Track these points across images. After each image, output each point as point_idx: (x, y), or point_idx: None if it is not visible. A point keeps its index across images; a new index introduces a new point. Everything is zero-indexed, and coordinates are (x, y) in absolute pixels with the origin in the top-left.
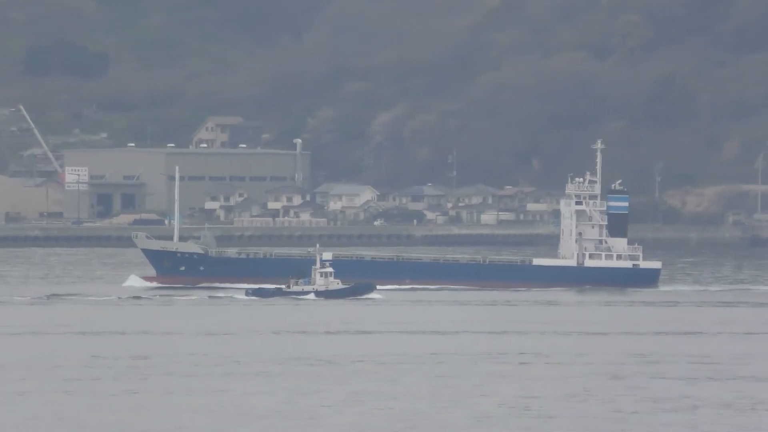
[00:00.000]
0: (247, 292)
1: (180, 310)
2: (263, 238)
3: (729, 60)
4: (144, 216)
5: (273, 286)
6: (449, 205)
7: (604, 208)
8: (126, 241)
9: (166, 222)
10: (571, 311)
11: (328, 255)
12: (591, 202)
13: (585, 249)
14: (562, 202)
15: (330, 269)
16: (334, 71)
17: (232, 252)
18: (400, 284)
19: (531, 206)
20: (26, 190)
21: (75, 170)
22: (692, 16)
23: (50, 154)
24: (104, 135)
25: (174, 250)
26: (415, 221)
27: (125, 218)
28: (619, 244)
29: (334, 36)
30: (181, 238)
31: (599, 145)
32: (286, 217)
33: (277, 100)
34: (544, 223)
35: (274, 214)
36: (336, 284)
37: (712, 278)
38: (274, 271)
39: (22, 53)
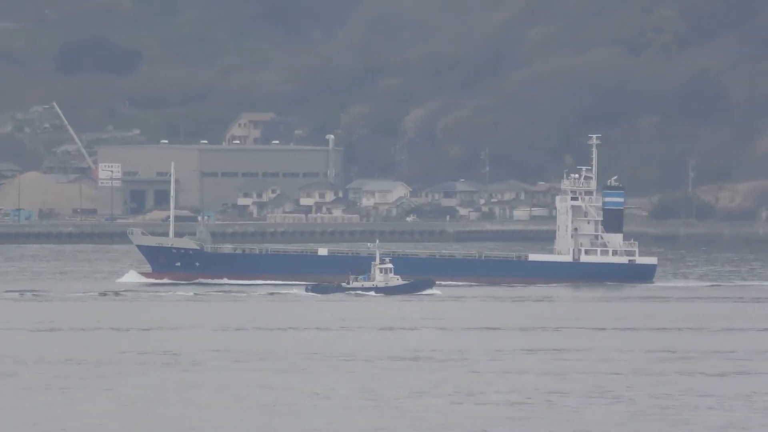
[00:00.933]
0: (307, 288)
1: (250, 306)
2: (296, 234)
3: (763, 55)
4: (177, 212)
5: (332, 283)
6: (482, 201)
7: (600, 204)
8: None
9: (199, 218)
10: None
11: (324, 250)
12: (587, 197)
13: (581, 245)
14: (558, 197)
15: (390, 265)
16: (367, 67)
17: (227, 247)
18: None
19: None
20: (60, 187)
21: (108, 167)
22: (726, 12)
23: (84, 151)
24: (137, 131)
25: (169, 245)
26: (447, 217)
27: (158, 214)
28: (615, 239)
29: (367, 31)
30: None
31: (594, 140)
32: (318, 214)
33: (309, 96)
34: None
35: (307, 210)
36: (396, 280)
37: (715, 274)
38: (270, 267)
39: (55, 50)
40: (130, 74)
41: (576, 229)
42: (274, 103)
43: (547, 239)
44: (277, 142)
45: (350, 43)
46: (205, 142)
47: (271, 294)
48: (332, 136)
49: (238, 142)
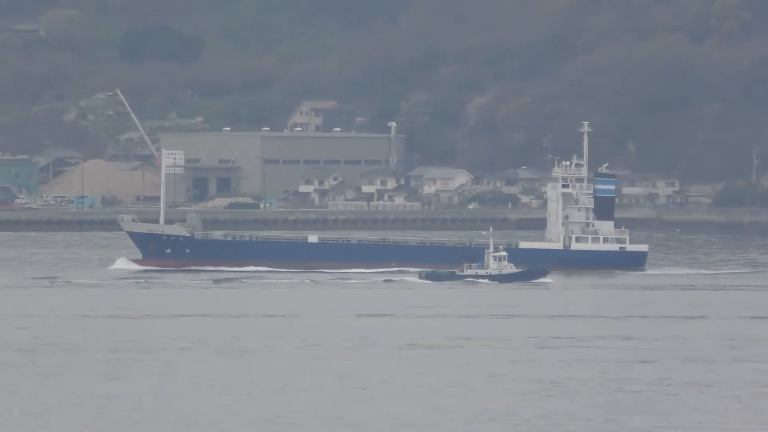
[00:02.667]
0: (421, 275)
1: (358, 293)
2: (357, 222)
3: None
4: (239, 199)
5: (447, 270)
6: (543, 188)
7: (591, 192)
8: (220, 225)
9: (262, 205)
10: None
11: (314, 238)
12: (578, 185)
13: (572, 232)
14: (549, 185)
15: (504, 253)
16: (429, 54)
17: (218, 234)
18: (386, 267)
19: (626, 190)
20: (123, 174)
21: (171, 154)
22: None
23: (146, 138)
24: (200, 119)
25: (159, 232)
26: (509, 205)
27: (220, 202)
28: (606, 227)
29: (429, 18)
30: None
31: (586, 127)
32: (380, 201)
33: (371, 83)
34: (640, 206)
35: (368, 197)
36: (509, 268)
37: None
38: (260, 254)
39: (118, 38)
40: (192, 62)
41: (567, 217)
42: (336, 91)
43: None
44: (338, 129)
45: (412, 31)
46: (267, 129)
47: (387, 281)
48: (394, 124)
49: (299, 129)
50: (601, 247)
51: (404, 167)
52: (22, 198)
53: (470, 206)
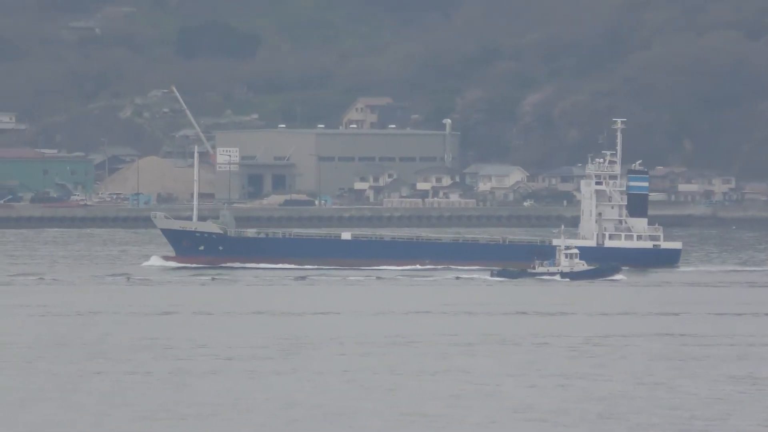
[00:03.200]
0: (493, 273)
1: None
2: (412, 218)
3: None
4: (294, 197)
5: (518, 268)
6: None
7: (624, 188)
8: (275, 222)
9: (317, 203)
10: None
11: (347, 235)
12: (611, 182)
13: (605, 229)
14: (582, 182)
15: (575, 251)
16: (484, 51)
17: (251, 232)
18: (419, 265)
19: (683, 187)
20: (178, 171)
21: (226, 151)
22: None
23: (202, 135)
24: (255, 116)
25: (193, 229)
26: (564, 202)
27: (276, 199)
28: (639, 224)
29: (484, 15)
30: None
31: (619, 124)
32: (435, 198)
33: (426, 80)
34: (696, 203)
35: (423, 194)
36: (581, 266)
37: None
38: (293, 251)
39: (175, 35)
40: (248, 59)
41: (600, 214)
42: (391, 88)
43: (666, 224)
44: (393, 126)
45: (467, 28)
46: (322, 126)
47: (457, 278)
48: (449, 121)
49: (354, 126)
50: (635, 244)
51: (459, 164)
52: (78, 195)
53: (525, 203)
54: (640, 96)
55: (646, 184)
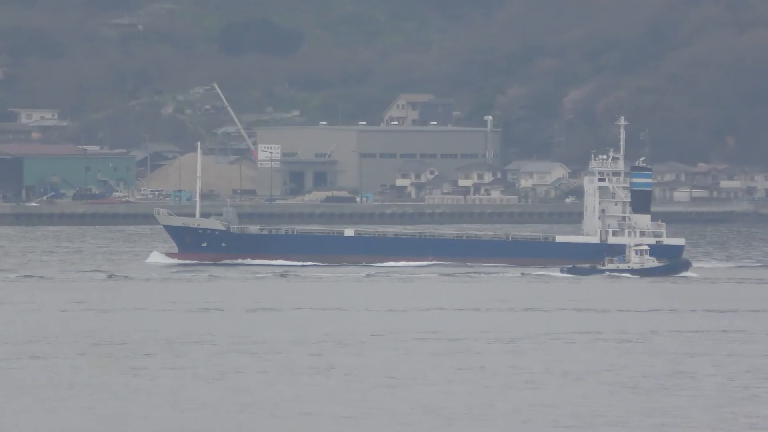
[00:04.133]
0: (563, 270)
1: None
2: (454, 215)
3: None
4: (335, 193)
5: (588, 264)
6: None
7: (628, 185)
8: (317, 218)
9: (358, 199)
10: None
11: (350, 231)
12: (614, 178)
13: (608, 226)
14: (586, 178)
15: (646, 247)
16: (526, 48)
17: (254, 228)
18: (422, 261)
19: (725, 183)
20: (220, 168)
21: (268, 148)
22: None
23: (243, 132)
24: (296, 113)
25: (196, 226)
26: None
27: (317, 195)
28: (643, 220)
29: (526, 12)
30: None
31: (622, 121)
32: (476, 195)
33: (468, 77)
34: (738, 200)
35: (465, 191)
36: (651, 262)
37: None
38: (296, 247)
39: (217, 31)
40: (290, 55)
41: (603, 210)
42: (433, 85)
43: (708, 221)
44: (435, 123)
45: (509, 24)
46: (364, 123)
47: (523, 274)
48: (490, 117)
49: (396, 123)
50: (638, 240)
51: (501, 161)
52: (120, 191)
53: (567, 200)
54: (682, 92)
55: (649, 180)
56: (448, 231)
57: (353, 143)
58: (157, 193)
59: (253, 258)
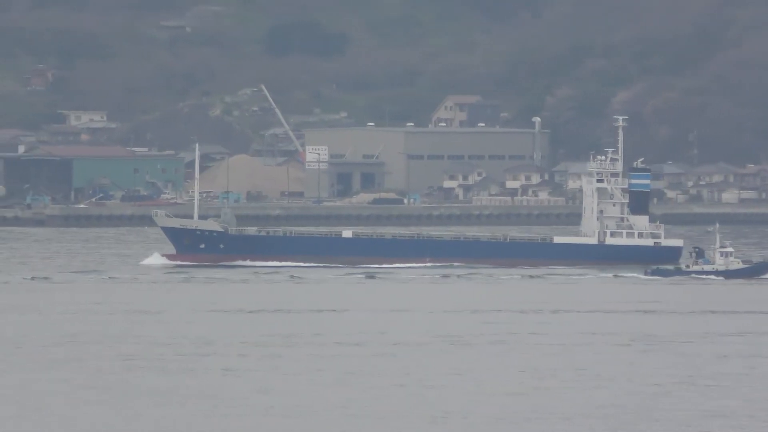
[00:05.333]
0: (647, 272)
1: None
2: (501, 216)
3: None
4: (383, 195)
5: (672, 266)
6: (690, 183)
7: (626, 186)
8: (364, 220)
9: (405, 201)
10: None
11: (348, 233)
12: (612, 179)
13: (606, 227)
14: (584, 179)
15: (731, 249)
16: (574, 48)
17: (252, 230)
18: (420, 263)
19: None
20: (268, 169)
21: (315, 149)
22: None
23: (291, 134)
24: (344, 114)
25: (193, 228)
26: (655, 200)
27: (365, 197)
28: (641, 221)
29: (574, 12)
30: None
31: (621, 122)
32: (524, 196)
33: (515, 78)
34: None
35: (513, 192)
36: (736, 264)
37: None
38: (294, 249)
39: (264, 33)
40: (337, 57)
41: (602, 212)
42: (480, 86)
43: (756, 222)
44: (483, 124)
45: (557, 25)
46: (411, 124)
47: (616, 276)
48: (538, 119)
49: (444, 124)
50: (636, 241)
51: (549, 162)
52: (168, 193)
53: None
54: (730, 93)
55: (648, 181)
56: (446, 232)
57: (401, 145)
58: (204, 194)
59: (251, 259)
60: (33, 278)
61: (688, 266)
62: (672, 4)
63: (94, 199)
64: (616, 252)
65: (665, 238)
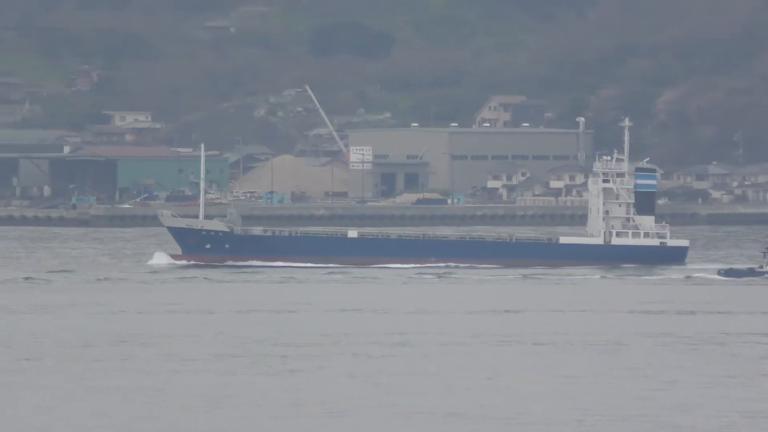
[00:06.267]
0: (720, 272)
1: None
2: (545, 217)
3: None
4: (427, 195)
5: (746, 266)
6: (735, 183)
7: (632, 186)
8: (408, 220)
9: (449, 201)
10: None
11: (353, 233)
12: (618, 180)
13: (612, 227)
14: (590, 180)
15: None
16: (618, 48)
17: (257, 230)
18: (425, 263)
19: None
20: (312, 170)
21: (359, 150)
22: None
23: (335, 134)
24: (388, 115)
25: (199, 227)
26: (699, 200)
27: (408, 197)
28: (647, 221)
29: (619, 12)
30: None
31: (627, 122)
32: (568, 196)
33: (560, 78)
34: None
35: (557, 193)
36: None
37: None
38: (299, 249)
39: (308, 34)
40: (381, 57)
41: (607, 212)
42: (525, 86)
43: None
44: (527, 124)
45: (601, 25)
46: (455, 124)
47: (688, 277)
48: (582, 119)
49: (488, 125)
50: (642, 241)
51: (593, 162)
52: (213, 193)
53: (660, 201)
54: None
55: (653, 182)
56: (451, 232)
57: (445, 145)
58: (249, 194)
59: (256, 259)
60: (104, 279)
61: (761, 267)
62: (717, 4)
63: (138, 200)
64: (622, 252)
65: (671, 238)
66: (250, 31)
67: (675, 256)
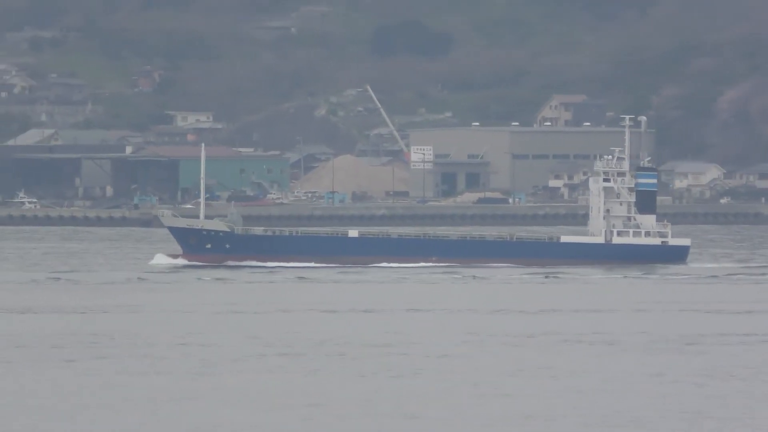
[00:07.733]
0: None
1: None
2: None
3: None
4: (488, 194)
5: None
6: None
7: (633, 185)
8: (468, 219)
9: (510, 201)
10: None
11: (354, 233)
12: (619, 179)
13: (613, 226)
14: (591, 179)
15: None
16: (680, 47)
17: (258, 230)
18: (426, 262)
19: None
20: (373, 169)
21: (420, 149)
22: None
23: (396, 134)
24: (449, 114)
25: (200, 227)
26: (762, 199)
27: (469, 197)
28: (648, 220)
29: (681, 11)
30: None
31: (627, 122)
32: None
33: (621, 77)
34: None
35: None
36: None
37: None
38: (300, 249)
39: (369, 33)
40: (442, 57)
41: (608, 211)
42: (586, 85)
43: None
44: (588, 123)
45: (662, 23)
46: (516, 124)
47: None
48: (644, 118)
49: (549, 124)
50: (643, 240)
51: (655, 161)
52: (274, 193)
53: (722, 201)
54: None
55: (654, 181)
56: (453, 232)
57: (506, 144)
58: (310, 194)
59: (257, 260)
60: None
61: None
62: None
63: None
64: (623, 251)
65: (672, 237)
66: (311, 31)
67: (676, 255)
